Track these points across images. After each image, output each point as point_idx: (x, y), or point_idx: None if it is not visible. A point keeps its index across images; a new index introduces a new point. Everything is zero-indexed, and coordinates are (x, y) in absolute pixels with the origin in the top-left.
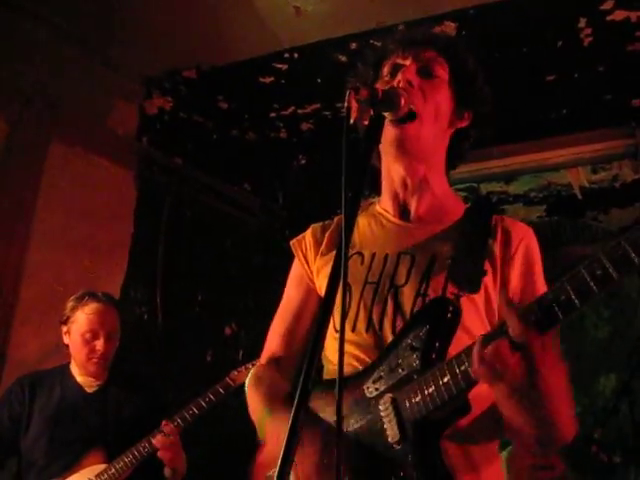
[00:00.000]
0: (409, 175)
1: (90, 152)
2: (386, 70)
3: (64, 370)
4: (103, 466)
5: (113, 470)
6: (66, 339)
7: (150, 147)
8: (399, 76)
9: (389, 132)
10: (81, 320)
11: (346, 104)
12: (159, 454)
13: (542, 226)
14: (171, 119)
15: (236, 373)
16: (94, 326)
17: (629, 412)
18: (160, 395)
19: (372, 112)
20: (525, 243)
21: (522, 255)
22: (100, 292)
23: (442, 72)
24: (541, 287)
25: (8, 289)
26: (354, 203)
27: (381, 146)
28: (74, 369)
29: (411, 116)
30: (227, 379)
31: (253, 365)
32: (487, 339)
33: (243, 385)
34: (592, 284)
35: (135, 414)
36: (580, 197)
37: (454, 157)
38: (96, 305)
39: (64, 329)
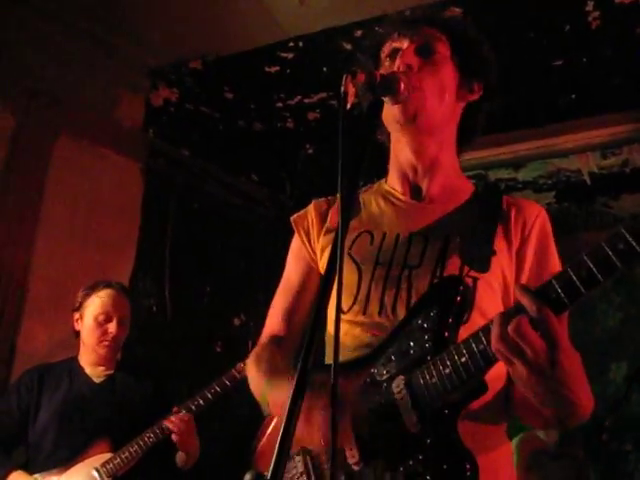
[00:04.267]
0: (419, 158)
1: (96, 144)
2: (385, 55)
3: (72, 362)
4: (109, 455)
5: (118, 459)
6: (77, 326)
7: (156, 139)
8: (397, 60)
9: (394, 108)
10: (96, 303)
11: (343, 89)
12: (173, 437)
13: (551, 213)
14: (177, 110)
15: (242, 365)
16: (108, 309)
17: None
18: (166, 384)
19: (371, 97)
20: (539, 222)
21: (537, 234)
22: (109, 280)
23: (442, 47)
24: (556, 265)
25: (16, 282)
26: (351, 189)
27: (387, 124)
28: (82, 360)
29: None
30: (233, 371)
31: None
32: (507, 317)
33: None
34: (614, 258)
35: (141, 404)
36: (589, 183)
37: (468, 132)
38: (110, 291)
39: (76, 316)
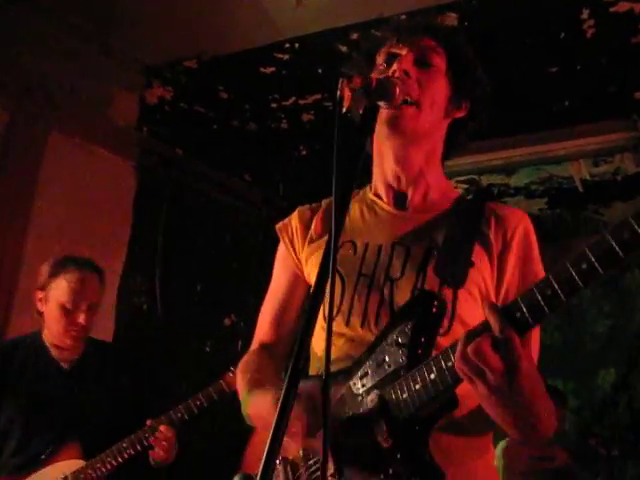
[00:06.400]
0: (404, 168)
1: (89, 142)
2: (381, 59)
3: (36, 340)
4: (79, 462)
5: (90, 471)
6: (41, 306)
7: (150, 137)
8: (395, 65)
9: (385, 112)
10: (62, 288)
11: (339, 93)
12: (154, 454)
13: (543, 219)
14: (171, 109)
15: (231, 375)
16: (76, 297)
17: (628, 406)
18: (143, 368)
19: (366, 102)
20: (521, 229)
21: (518, 242)
22: (80, 257)
23: (439, 61)
24: (538, 273)
25: (6, 278)
26: (345, 194)
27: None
28: (47, 339)
29: (409, 103)
30: (221, 382)
31: None
32: (470, 336)
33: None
34: (577, 279)
35: (117, 391)
36: (581, 190)
37: (450, 147)
38: (79, 273)
39: (39, 295)
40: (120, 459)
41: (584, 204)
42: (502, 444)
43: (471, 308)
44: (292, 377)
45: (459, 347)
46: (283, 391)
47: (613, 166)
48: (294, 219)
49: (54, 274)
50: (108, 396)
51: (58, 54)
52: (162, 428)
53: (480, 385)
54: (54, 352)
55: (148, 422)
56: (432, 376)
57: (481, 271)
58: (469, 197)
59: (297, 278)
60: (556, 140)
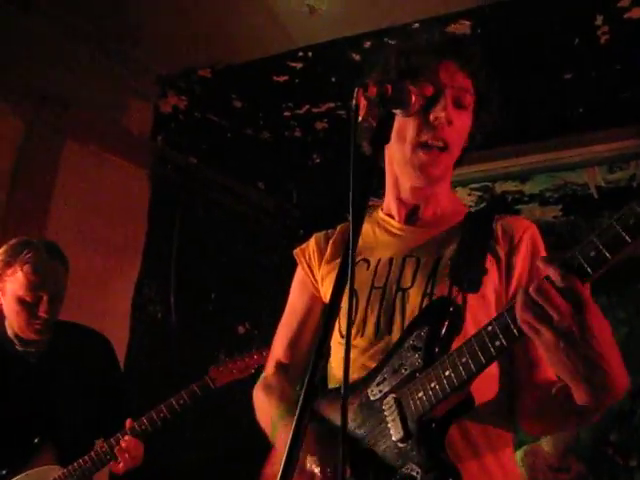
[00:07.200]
0: (424, 188)
1: (104, 151)
2: (427, 88)
3: None
4: (55, 468)
5: None
6: None
7: (164, 146)
8: (439, 110)
9: (418, 156)
10: (19, 280)
11: (354, 101)
12: (113, 466)
13: (558, 226)
14: (185, 118)
15: (220, 369)
16: (35, 289)
17: None
18: (113, 354)
19: (381, 110)
20: (529, 234)
21: (526, 243)
22: (36, 240)
23: (470, 101)
24: None
25: None
26: (362, 203)
27: (391, 152)
28: (9, 330)
29: (443, 149)
30: (206, 378)
31: (236, 362)
32: (526, 288)
33: (223, 387)
34: (624, 234)
35: (91, 381)
36: (596, 197)
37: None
38: (38, 262)
39: None
40: (100, 466)
41: (599, 211)
42: (520, 453)
43: (483, 314)
44: (305, 403)
45: (519, 298)
46: (295, 419)
47: (628, 173)
48: (311, 244)
49: (9, 263)
50: (82, 389)
51: (73, 64)
52: (123, 443)
53: (546, 332)
54: (19, 345)
55: (128, 424)
56: (447, 373)
57: (492, 277)
58: (480, 211)
59: (314, 299)
60: (571, 147)
